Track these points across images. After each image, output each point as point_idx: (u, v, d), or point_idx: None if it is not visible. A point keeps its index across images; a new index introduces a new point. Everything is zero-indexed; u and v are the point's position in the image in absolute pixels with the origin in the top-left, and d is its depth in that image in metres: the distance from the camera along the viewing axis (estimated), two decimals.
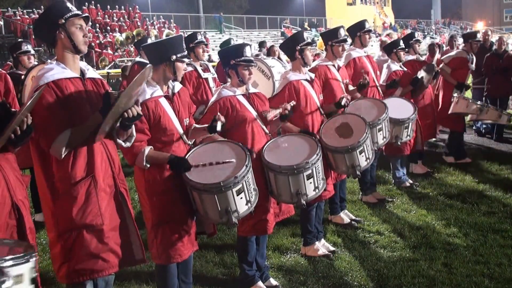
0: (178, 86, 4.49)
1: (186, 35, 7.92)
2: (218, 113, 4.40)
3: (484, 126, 11.33)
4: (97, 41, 29.47)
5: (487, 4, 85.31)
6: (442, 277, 4.99)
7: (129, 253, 3.82)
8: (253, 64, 4.84)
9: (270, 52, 11.51)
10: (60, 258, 3.62)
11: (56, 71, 3.60)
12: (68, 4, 3.64)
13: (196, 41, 7.71)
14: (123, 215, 3.80)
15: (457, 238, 5.92)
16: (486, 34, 11.39)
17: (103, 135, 3.63)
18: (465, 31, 65.16)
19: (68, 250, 3.59)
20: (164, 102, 4.26)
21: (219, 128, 4.34)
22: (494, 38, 11.87)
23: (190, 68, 7.43)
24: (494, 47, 10.92)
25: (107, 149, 3.76)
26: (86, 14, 3.74)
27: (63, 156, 3.51)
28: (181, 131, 4.34)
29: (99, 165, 3.66)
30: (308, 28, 53.12)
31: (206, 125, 4.44)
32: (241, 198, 4.16)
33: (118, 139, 3.78)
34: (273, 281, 5.06)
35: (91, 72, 3.84)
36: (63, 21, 3.58)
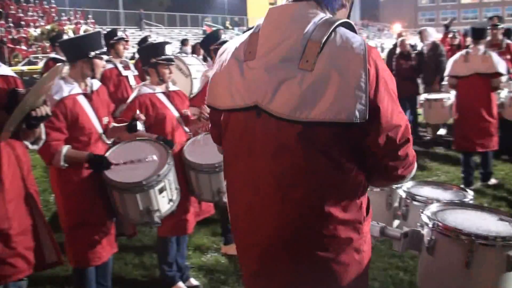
0: (96, 83, 4.38)
1: (105, 32, 7.75)
2: (138, 112, 4.33)
3: None
4: (10, 36, 28.28)
5: (403, 7, 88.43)
6: None
7: (40, 257, 3.66)
8: (173, 63, 4.81)
9: (195, 51, 11.44)
10: None
11: None
12: None
13: (116, 37, 7.57)
14: (33, 218, 3.63)
15: None
16: (401, 35, 11.79)
17: (8, 135, 3.41)
18: (382, 32, 67.43)
19: None
20: (82, 100, 4.14)
21: (140, 127, 4.28)
22: (410, 40, 12.32)
23: (110, 66, 7.27)
24: (398, 49, 11.25)
25: (15, 150, 3.55)
26: None
27: None
28: (100, 130, 4.24)
29: (6, 167, 3.43)
30: (230, 27, 53.25)
31: (125, 124, 4.36)
32: (163, 197, 4.13)
33: (25, 141, 3.61)
34: (193, 281, 5.03)
35: (3, 69, 3.64)
36: None
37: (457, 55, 7.58)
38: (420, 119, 11.92)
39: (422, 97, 9.27)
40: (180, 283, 4.89)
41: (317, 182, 1.95)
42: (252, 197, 2.08)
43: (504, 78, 7.32)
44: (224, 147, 2.22)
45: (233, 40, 2.20)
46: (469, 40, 9.54)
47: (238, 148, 2.10)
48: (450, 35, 11.95)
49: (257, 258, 2.12)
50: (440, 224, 2.49)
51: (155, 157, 4.21)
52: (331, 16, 2.01)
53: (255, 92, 1.96)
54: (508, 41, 9.79)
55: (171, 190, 4.22)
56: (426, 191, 3.32)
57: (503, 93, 8.41)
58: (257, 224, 2.08)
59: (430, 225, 2.52)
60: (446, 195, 3.27)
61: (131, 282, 5.17)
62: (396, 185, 3.27)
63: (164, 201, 4.15)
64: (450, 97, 8.74)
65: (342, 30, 1.93)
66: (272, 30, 1.99)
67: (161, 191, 4.09)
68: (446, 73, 7.64)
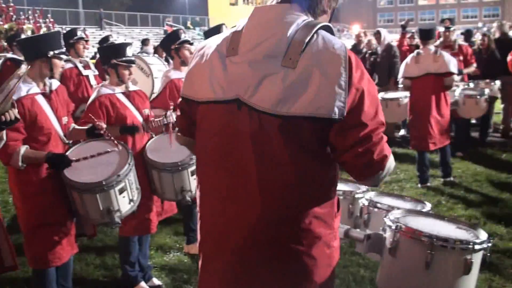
0: (55, 83, 4.34)
1: (64, 31, 7.69)
2: (97, 121, 4.29)
3: None
4: None
5: (362, 8, 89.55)
6: None
7: None
8: (133, 64, 4.80)
9: (157, 52, 11.35)
10: None
11: None
12: None
13: (76, 37, 7.52)
14: None
15: None
16: (359, 36, 11.93)
17: None
18: (342, 33, 68.12)
19: None
20: (41, 100, 4.10)
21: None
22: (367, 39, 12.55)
23: (70, 65, 7.21)
24: (364, 49, 11.47)
25: None
26: None
27: None
28: (59, 130, 4.20)
29: None
30: (191, 27, 53.05)
31: (86, 127, 4.34)
32: (124, 197, 4.11)
33: None
34: (156, 281, 5.02)
35: None
36: None
37: (409, 57, 7.73)
38: None
39: (379, 96, 9.41)
40: (142, 283, 4.88)
41: (297, 176, 2.00)
42: (230, 191, 2.10)
43: (456, 77, 7.49)
44: (199, 141, 2.22)
45: (214, 37, 2.23)
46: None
47: (216, 142, 2.11)
48: (409, 36, 12.16)
49: (233, 254, 2.12)
50: (403, 226, 2.62)
51: (115, 149, 4.21)
52: (313, 19, 2.09)
53: (237, 86, 2.01)
54: (461, 43, 10.05)
55: (132, 190, 4.21)
56: (387, 201, 3.44)
57: (457, 91, 8.62)
58: (234, 218, 2.09)
59: (393, 227, 2.64)
60: (406, 205, 3.38)
61: (92, 282, 5.13)
62: (370, 186, 3.32)
63: (125, 201, 4.13)
64: (406, 95, 8.91)
65: (323, 32, 2.02)
66: (256, 28, 2.06)
67: (121, 191, 4.08)
68: (400, 75, 7.78)
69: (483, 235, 2.69)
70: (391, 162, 2.07)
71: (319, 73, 1.92)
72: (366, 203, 3.35)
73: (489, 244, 2.62)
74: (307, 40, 1.96)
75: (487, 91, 8.89)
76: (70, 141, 4.38)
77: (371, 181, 2.06)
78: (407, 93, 8.72)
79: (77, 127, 4.42)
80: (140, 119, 4.80)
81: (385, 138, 2.03)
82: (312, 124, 1.94)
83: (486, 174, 8.17)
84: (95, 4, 53.84)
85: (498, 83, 9.61)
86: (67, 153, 4.15)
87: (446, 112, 7.60)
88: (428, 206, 3.33)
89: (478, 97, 8.65)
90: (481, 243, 2.57)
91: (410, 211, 3.01)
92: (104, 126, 4.32)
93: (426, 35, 7.63)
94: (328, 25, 2.07)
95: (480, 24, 50.21)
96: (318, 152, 2.01)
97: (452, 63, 7.34)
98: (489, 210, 6.52)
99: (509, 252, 5.28)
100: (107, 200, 4.00)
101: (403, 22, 12.13)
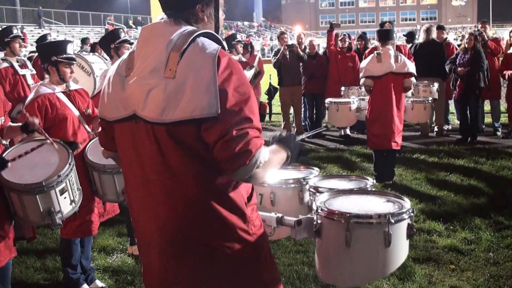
0: None
1: (0, 29, 7.50)
2: (29, 118, 4.18)
3: None
4: None
5: (304, 10, 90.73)
6: None
7: None
8: (74, 62, 4.71)
9: (94, 49, 11.20)
10: None
11: None
12: None
13: (12, 35, 7.32)
14: None
15: None
16: (299, 38, 11.99)
17: None
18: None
19: None
20: None
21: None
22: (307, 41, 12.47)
23: (5, 64, 7.02)
24: (307, 50, 11.53)
25: None
26: None
27: None
28: None
29: None
30: (133, 26, 52.45)
31: (20, 124, 4.22)
32: (65, 198, 4.02)
33: None
34: (99, 283, 4.94)
35: None
36: None
37: (369, 57, 7.71)
38: None
39: (327, 100, 9.55)
40: (85, 286, 4.79)
41: (193, 176, 2.16)
42: (145, 198, 2.30)
43: (414, 79, 7.59)
44: (119, 155, 2.45)
45: (118, 60, 2.41)
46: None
47: (129, 154, 2.32)
48: (340, 37, 11.47)
49: (157, 257, 2.31)
50: (323, 208, 2.76)
51: (55, 145, 4.12)
52: (195, 28, 2.24)
53: (132, 102, 2.19)
54: (398, 43, 10.24)
55: (73, 191, 4.13)
56: (331, 183, 3.51)
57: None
58: (152, 222, 2.29)
59: (315, 210, 2.77)
60: (349, 185, 3.46)
61: (32, 286, 5.01)
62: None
63: (66, 202, 4.05)
64: (354, 101, 9.08)
65: (201, 39, 2.17)
66: (143, 46, 2.24)
67: (62, 192, 3.99)
68: (361, 75, 7.69)
69: (406, 205, 2.76)
70: (258, 157, 2.11)
71: (193, 77, 2.07)
72: (309, 188, 3.43)
73: (412, 214, 2.69)
74: (183, 48, 2.11)
75: (430, 97, 9.16)
76: (7, 142, 4.27)
77: (238, 175, 2.13)
78: (355, 99, 8.93)
79: (12, 124, 4.30)
80: (81, 119, 4.71)
81: (252, 134, 2.09)
82: (192, 127, 2.08)
83: (425, 173, 8.34)
84: (33, 1, 52.52)
85: (436, 85, 9.88)
86: (4, 155, 4.03)
87: (402, 115, 7.72)
88: (370, 182, 3.42)
89: (427, 102, 8.87)
90: (398, 215, 2.63)
91: (340, 191, 3.10)
92: (37, 121, 4.20)
93: (386, 35, 7.69)
94: (210, 32, 2.23)
95: (418, 27, 51.53)
96: (206, 155, 2.13)
97: (411, 65, 7.45)
98: (428, 208, 6.68)
99: (447, 248, 5.43)
100: (48, 201, 3.91)
101: (333, 21, 12.08)
